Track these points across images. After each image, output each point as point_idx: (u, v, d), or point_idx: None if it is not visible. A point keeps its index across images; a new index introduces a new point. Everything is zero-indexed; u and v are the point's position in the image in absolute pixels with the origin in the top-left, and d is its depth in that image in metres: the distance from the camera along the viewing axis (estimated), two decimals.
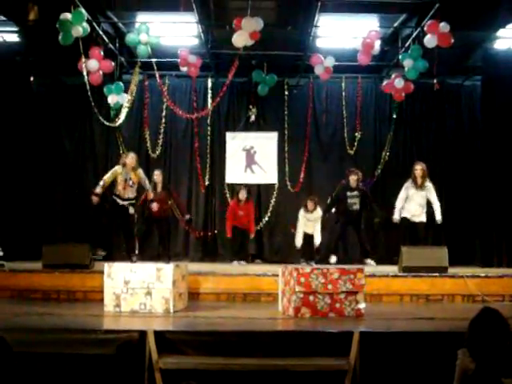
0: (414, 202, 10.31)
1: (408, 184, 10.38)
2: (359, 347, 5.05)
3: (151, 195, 10.09)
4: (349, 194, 10.79)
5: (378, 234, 12.24)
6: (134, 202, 10.00)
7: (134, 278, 6.70)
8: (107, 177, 9.78)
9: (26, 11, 9.83)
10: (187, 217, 11.74)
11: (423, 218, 10.41)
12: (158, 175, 10.80)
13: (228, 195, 12.61)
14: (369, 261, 10.71)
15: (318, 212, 10.99)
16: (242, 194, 11.19)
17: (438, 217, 10.35)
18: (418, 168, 10.29)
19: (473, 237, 11.99)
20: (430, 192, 10.35)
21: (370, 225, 11.65)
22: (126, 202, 9.84)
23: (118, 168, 9.90)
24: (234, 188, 12.51)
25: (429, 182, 10.37)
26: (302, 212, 11.03)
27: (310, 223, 11.00)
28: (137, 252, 10.25)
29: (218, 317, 6.40)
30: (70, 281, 8.18)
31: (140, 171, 10.07)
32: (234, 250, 11.50)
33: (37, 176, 12.27)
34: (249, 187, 11.69)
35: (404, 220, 10.43)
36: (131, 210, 9.92)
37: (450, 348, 3.95)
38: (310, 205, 10.96)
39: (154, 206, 10.12)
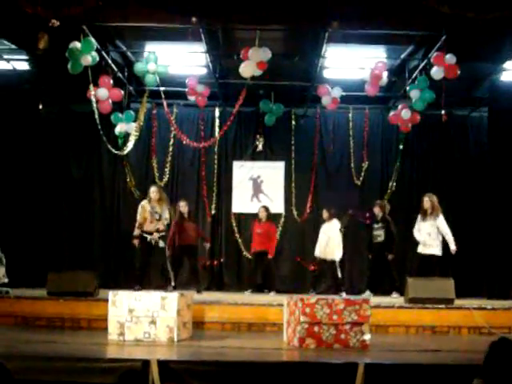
0: (423, 232, 10.24)
1: (418, 216, 10.41)
2: (364, 379, 5.00)
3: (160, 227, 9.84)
4: (375, 225, 10.91)
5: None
6: (163, 234, 9.84)
7: (138, 307, 6.67)
8: (138, 217, 9.79)
9: (37, 40, 9.94)
10: (207, 245, 11.71)
11: (434, 251, 10.14)
12: (183, 206, 10.75)
13: (234, 224, 12.62)
14: (395, 294, 10.43)
15: (335, 224, 11.01)
16: (261, 213, 11.49)
17: (452, 247, 10.05)
18: (425, 199, 10.28)
19: (480, 268, 11.87)
20: (440, 222, 10.15)
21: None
22: (155, 236, 9.70)
23: (143, 203, 9.93)
24: (240, 217, 12.63)
25: (439, 213, 10.22)
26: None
27: (324, 237, 10.95)
28: (173, 284, 10.14)
29: (222, 346, 6.36)
30: (74, 308, 8.18)
31: (165, 204, 9.97)
32: (251, 278, 11.73)
33: (44, 203, 12.32)
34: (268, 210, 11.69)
35: (416, 254, 10.39)
36: (161, 244, 9.75)
37: (457, 381, 3.91)
38: (324, 214, 11.13)
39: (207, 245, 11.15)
